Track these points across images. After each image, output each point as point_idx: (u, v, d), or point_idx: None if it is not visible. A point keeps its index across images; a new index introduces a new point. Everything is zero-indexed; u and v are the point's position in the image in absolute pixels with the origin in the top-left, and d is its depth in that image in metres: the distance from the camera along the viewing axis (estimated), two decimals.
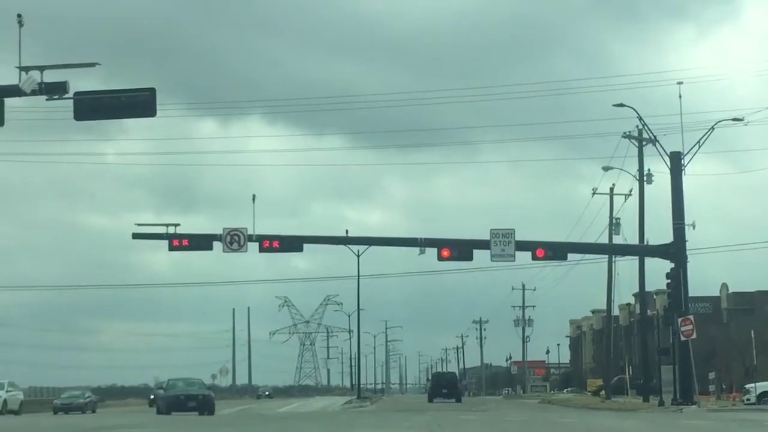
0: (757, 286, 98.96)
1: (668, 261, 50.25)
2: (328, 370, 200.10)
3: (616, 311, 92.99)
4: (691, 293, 51.99)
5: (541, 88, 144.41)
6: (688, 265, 49.83)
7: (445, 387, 77.06)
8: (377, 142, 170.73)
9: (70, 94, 28.25)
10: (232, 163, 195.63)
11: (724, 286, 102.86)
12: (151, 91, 27.87)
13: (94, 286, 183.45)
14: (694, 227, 50.40)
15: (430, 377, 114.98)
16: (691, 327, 46.64)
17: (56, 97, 28.06)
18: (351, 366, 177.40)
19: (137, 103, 27.75)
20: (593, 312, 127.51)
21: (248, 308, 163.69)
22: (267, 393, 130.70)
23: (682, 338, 47.36)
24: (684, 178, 50.63)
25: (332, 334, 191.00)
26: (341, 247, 75.76)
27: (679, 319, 47.45)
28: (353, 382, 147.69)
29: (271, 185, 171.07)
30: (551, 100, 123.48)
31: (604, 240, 65.72)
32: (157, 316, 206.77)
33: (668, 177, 50.95)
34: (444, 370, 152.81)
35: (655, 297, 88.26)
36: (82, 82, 28.69)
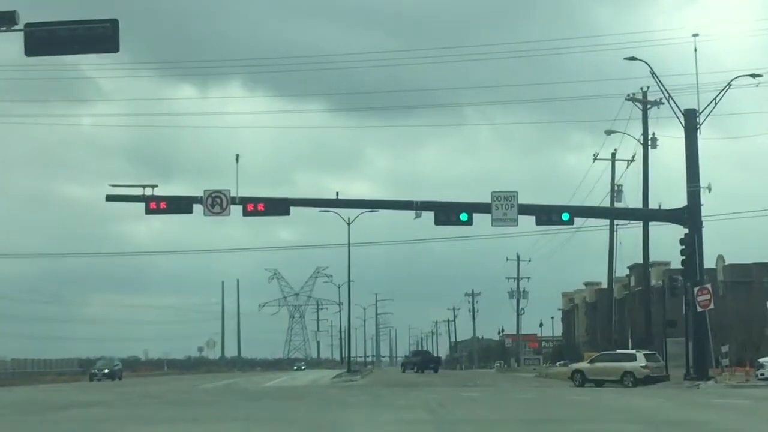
0: (753, 258, 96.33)
1: (681, 226, 47.13)
2: (318, 343, 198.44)
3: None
4: None
5: (530, 47, 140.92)
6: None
7: (431, 362, 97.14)
8: (360, 111, 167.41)
9: (21, 26, 24.66)
10: (213, 127, 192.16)
11: (720, 258, 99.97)
12: (113, 23, 24.16)
13: (79, 254, 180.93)
14: (709, 190, 47.04)
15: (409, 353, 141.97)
16: (708, 297, 43.30)
17: (3, 29, 24.46)
18: (341, 339, 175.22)
19: (97, 37, 24.08)
20: (586, 285, 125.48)
21: (237, 280, 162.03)
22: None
23: (699, 309, 44.01)
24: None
25: (322, 306, 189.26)
26: (330, 217, 72.54)
27: (696, 289, 44.10)
28: (343, 356, 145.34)
29: (253, 155, 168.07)
30: (539, 63, 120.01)
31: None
32: (144, 289, 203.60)
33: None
34: (427, 346, 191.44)
35: (650, 269, 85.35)
36: None
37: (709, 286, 44.56)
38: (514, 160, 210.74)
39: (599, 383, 46.61)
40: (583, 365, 51.23)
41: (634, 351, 51.08)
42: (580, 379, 48.51)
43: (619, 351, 55.99)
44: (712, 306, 43.65)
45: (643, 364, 46.62)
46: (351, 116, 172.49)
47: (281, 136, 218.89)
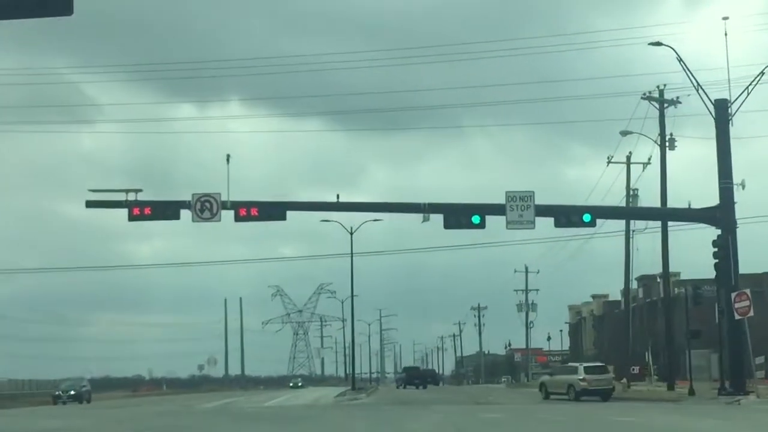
0: (764, 267, 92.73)
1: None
2: (322, 359, 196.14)
3: (619, 293, 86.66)
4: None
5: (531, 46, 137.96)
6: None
7: (417, 378, 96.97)
8: (358, 127, 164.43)
9: None
10: (209, 132, 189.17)
11: None
12: None
13: (83, 268, 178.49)
14: (743, 187, 43.27)
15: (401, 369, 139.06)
16: (748, 303, 39.34)
17: None
18: (345, 355, 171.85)
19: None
20: (594, 297, 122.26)
21: (240, 298, 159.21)
22: None
23: (737, 317, 40.04)
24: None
25: (326, 323, 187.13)
26: (332, 230, 69.12)
27: (733, 295, 40.15)
28: (347, 372, 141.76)
29: (251, 171, 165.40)
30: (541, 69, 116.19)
31: None
32: (148, 307, 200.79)
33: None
34: (432, 361, 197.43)
35: (659, 280, 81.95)
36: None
37: (748, 291, 40.59)
38: (518, 169, 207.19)
39: (577, 396, 46.24)
40: (545, 378, 52.24)
41: (577, 364, 51.26)
42: (545, 391, 49.37)
43: (569, 364, 56.57)
44: (752, 313, 39.68)
45: (581, 377, 46.31)
46: (349, 128, 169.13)
47: (278, 149, 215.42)
